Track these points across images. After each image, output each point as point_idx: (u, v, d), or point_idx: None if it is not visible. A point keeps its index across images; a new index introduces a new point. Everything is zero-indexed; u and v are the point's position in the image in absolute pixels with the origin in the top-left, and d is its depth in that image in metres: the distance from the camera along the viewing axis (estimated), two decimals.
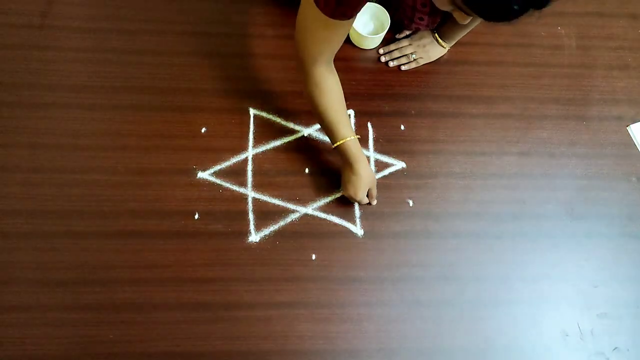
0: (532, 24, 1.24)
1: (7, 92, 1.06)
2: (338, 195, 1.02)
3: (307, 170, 1.04)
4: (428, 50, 1.14)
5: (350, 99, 1.11)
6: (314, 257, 0.97)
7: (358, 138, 0.92)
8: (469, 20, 0.69)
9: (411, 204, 1.03)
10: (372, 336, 0.93)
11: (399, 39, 1.16)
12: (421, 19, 1.06)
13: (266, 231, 0.99)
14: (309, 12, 0.75)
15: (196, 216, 0.98)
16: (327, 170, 1.05)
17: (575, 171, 1.10)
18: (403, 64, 1.15)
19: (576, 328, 0.97)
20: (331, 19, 0.74)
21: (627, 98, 1.18)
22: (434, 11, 1.03)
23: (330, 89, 0.88)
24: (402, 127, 1.10)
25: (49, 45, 1.11)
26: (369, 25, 1.18)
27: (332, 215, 1.01)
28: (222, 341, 0.90)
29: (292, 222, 1.00)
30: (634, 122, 1.15)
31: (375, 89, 1.13)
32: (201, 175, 1.02)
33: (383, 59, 1.15)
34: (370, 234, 1.00)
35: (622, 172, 1.10)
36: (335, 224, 1.01)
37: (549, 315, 0.97)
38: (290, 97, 1.10)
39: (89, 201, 0.98)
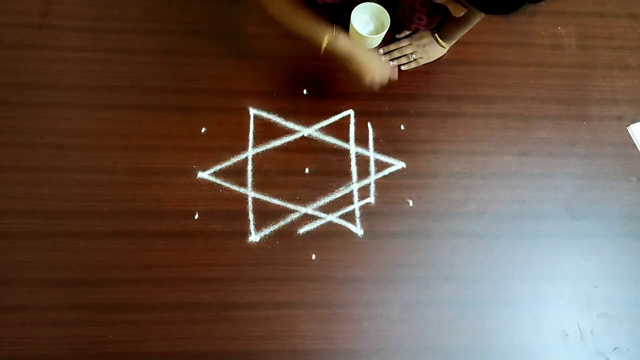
0: (532, 24, 1.24)
1: (7, 92, 1.06)
2: (338, 195, 1.02)
3: (307, 170, 1.04)
4: (428, 50, 1.14)
5: (350, 99, 1.11)
6: (314, 257, 0.97)
7: (334, 35, 0.91)
8: (463, 13, 0.68)
9: (411, 204, 1.03)
10: (372, 336, 0.93)
11: (399, 39, 1.16)
12: (420, 19, 1.06)
13: (266, 231, 0.99)
14: None
15: (196, 216, 0.98)
16: (327, 170, 1.05)
17: (575, 171, 1.10)
18: (403, 64, 1.15)
19: (576, 328, 0.97)
20: None
21: (627, 98, 1.18)
22: (433, 11, 1.03)
23: None
24: (402, 127, 1.10)
25: (49, 44, 1.11)
26: (369, 25, 1.17)
27: (332, 215, 1.01)
28: (222, 341, 0.90)
29: (292, 222, 1.00)
30: (634, 122, 1.15)
31: (375, 89, 1.13)
32: (201, 175, 1.02)
33: (383, 59, 1.15)
34: (370, 234, 1.00)
35: (622, 172, 1.10)
36: (335, 224, 1.01)
37: (549, 315, 0.97)
38: (290, 97, 1.10)
39: (89, 201, 0.98)
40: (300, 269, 0.96)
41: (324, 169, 1.05)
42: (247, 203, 1.00)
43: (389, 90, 1.14)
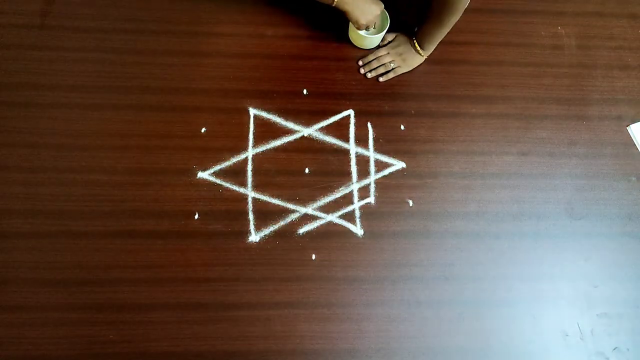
0: (532, 24, 1.24)
1: (7, 92, 1.06)
2: (338, 195, 1.02)
3: (307, 170, 1.04)
4: (406, 58, 1.13)
5: (350, 99, 1.11)
6: (314, 257, 0.97)
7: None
8: None
9: (411, 204, 1.03)
10: (372, 336, 0.93)
11: (378, 48, 1.16)
12: None
13: (266, 231, 0.99)
14: None
15: (196, 216, 0.98)
16: (327, 170, 1.05)
17: (575, 171, 1.10)
18: (381, 75, 1.14)
19: (576, 328, 0.97)
20: None
21: (627, 98, 1.18)
22: None
23: None
24: (402, 127, 1.10)
25: (49, 45, 1.11)
26: None
27: (332, 215, 1.01)
28: (222, 341, 0.90)
29: (292, 222, 1.00)
30: (634, 122, 1.15)
31: (375, 89, 1.13)
32: (201, 175, 1.02)
33: (362, 70, 1.14)
34: (370, 234, 1.00)
35: (622, 172, 1.10)
36: (335, 224, 1.01)
37: (549, 315, 0.97)
38: (290, 97, 1.10)
39: (89, 201, 0.98)
40: (300, 269, 0.96)
41: (324, 169, 1.05)
42: (247, 203, 1.00)
43: (389, 90, 1.14)
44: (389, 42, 1.16)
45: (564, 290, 0.99)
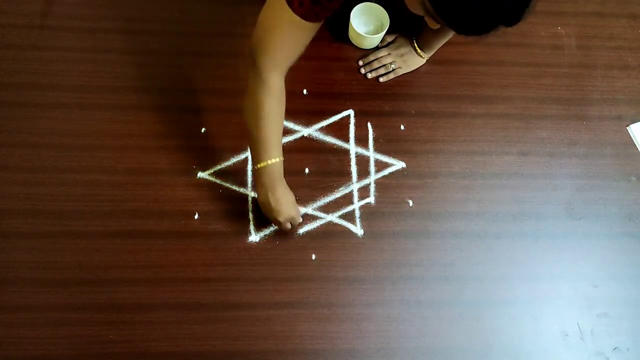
0: (532, 24, 1.24)
1: (7, 92, 1.06)
2: (338, 195, 1.02)
3: (307, 170, 1.04)
4: (407, 59, 1.13)
5: (350, 99, 1.11)
6: (314, 257, 0.97)
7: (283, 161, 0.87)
8: (438, 27, 0.69)
9: (411, 204, 1.03)
10: (372, 336, 0.93)
11: (378, 49, 1.16)
12: None
13: (266, 231, 0.99)
14: (277, 12, 0.71)
15: (196, 216, 0.98)
16: (327, 170, 1.05)
17: (575, 171, 1.10)
18: (381, 75, 1.13)
19: (576, 328, 0.97)
20: (304, 21, 0.71)
21: (627, 98, 1.18)
22: None
23: (281, 102, 0.83)
24: (402, 127, 1.10)
25: (49, 45, 1.11)
26: (368, 25, 1.18)
27: (332, 215, 1.01)
28: (222, 341, 0.90)
29: None
30: (634, 122, 1.15)
31: (375, 89, 1.13)
32: (201, 175, 1.02)
33: (362, 70, 1.14)
34: (370, 234, 1.00)
35: (622, 172, 1.10)
36: (335, 224, 1.01)
37: (549, 315, 0.97)
38: (290, 97, 1.09)
39: (89, 201, 0.98)
40: (300, 269, 0.96)
41: (324, 169, 1.05)
42: (247, 203, 1.00)
43: (389, 90, 1.14)
44: (389, 43, 1.16)
45: (563, 290, 0.99)
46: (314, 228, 1.00)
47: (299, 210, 0.94)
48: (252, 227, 0.99)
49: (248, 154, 1.04)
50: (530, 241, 1.02)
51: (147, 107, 1.07)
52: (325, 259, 0.97)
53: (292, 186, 1.02)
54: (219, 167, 1.03)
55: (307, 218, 1.00)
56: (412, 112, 1.12)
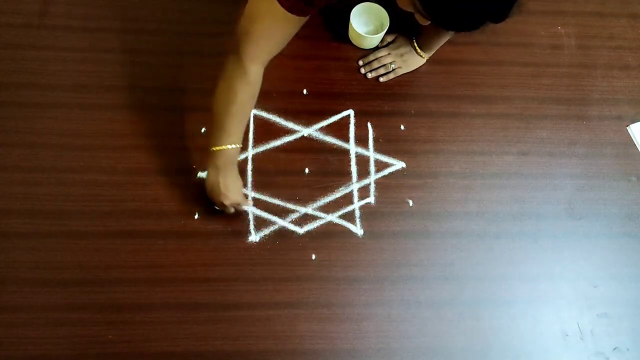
0: (531, 24, 1.24)
1: (5, 92, 1.05)
2: (338, 195, 1.02)
3: (307, 170, 1.04)
4: (406, 59, 1.13)
5: (350, 99, 1.11)
6: (314, 257, 0.97)
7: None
8: (428, 23, 0.69)
9: (411, 204, 1.03)
10: (372, 336, 0.93)
11: (378, 49, 1.16)
12: None
13: (266, 231, 0.98)
14: (264, 4, 0.73)
15: (196, 216, 0.98)
16: (327, 170, 1.04)
17: (574, 171, 1.10)
18: (381, 75, 1.13)
19: (576, 328, 0.97)
20: (289, 14, 0.73)
21: (627, 98, 1.18)
22: None
23: (255, 92, 0.87)
24: (402, 127, 1.10)
25: (48, 45, 1.10)
26: (368, 25, 1.17)
27: (332, 215, 1.01)
28: (222, 341, 0.90)
29: (292, 222, 0.99)
30: (634, 122, 1.15)
31: (375, 89, 1.13)
32: (201, 175, 1.02)
33: (362, 70, 1.14)
34: (370, 234, 1.00)
35: (622, 172, 1.10)
36: (335, 224, 1.01)
37: (549, 315, 0.97)
38: (290, 97, 1.10)
39: (89, 201, 0.97)
40: (300, 269, 0.96)
41: (324, 169, 1.05)
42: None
43: (389, 90, 1.14)
44: (389, 43, 1.16)
45: (563, 290, 0.99)
46: (314, 228, 1.00)
47: (245, 197, 0.96)
48: (252, 227, 0.98)
49: (248, 154, 1.04)
50: (530, 241, 1.02)
51: (146, 107, 1.06)
52: (325, 259, 0.97)
53: (292, 186, 1.02)
54: None
55: (307, 218, 1.00)
56: (412, 112, 1.12)
